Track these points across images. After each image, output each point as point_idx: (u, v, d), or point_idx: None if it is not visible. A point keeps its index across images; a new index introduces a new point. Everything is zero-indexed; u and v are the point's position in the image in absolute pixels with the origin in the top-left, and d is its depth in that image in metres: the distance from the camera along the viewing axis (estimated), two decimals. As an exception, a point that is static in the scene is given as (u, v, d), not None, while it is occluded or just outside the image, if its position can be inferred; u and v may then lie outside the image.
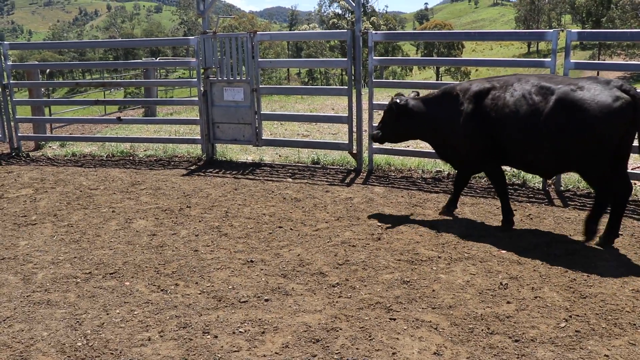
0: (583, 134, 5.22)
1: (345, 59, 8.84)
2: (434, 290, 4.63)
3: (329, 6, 68.67)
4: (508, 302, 4.39)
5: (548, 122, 5.39)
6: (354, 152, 8.89)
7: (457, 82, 6.70)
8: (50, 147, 11.60)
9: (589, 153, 5.30)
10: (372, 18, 62.58)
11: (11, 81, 10.69)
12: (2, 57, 10.48)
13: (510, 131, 5.70)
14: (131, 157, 10.38)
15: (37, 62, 17.27)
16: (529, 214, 6.59)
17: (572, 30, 7.45)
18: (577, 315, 4.15)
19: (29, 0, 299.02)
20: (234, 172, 8.97)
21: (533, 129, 5.51)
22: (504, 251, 5.45)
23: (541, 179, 7.71)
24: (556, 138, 5.38)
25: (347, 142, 9.08)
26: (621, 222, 5.61)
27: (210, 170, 9.20)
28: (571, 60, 7.45)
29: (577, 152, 5.35)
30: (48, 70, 16.89)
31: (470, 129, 6.01)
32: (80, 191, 7.99)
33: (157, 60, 22.11)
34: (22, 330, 4.11)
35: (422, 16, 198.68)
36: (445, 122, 6.27)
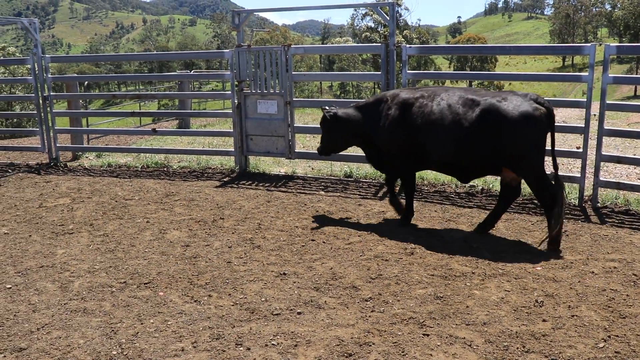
0: (508, 138, 5.81)
1: (379, 72, 8.85)
2: (467, 307, 4.57)
3: (362, 19, 68.75)
4: (544, 320, 4.31)
5: (474, 129, 5.95)
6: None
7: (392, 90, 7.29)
8: (87, 157, 11.84)
9: (521, 156, 5.88)
10: (404, 32, 62.47)
11: (51, 93, 10.97)
12: (43, 69, 10.76)
13: (434, 136, 6.23)
14: (165, 168, 10.52)
15: (76, 75, 17.74)
16: (565, 231, 6.47)
17: (611, 44, 7.33)
18: (617, 336, 4.04)
19: (68, 15, 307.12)
20: (266, 185, 9.02)
21: (457, 135, 6.06)
22: (539, 268, 5.35)
23: (578, 196, 7.58)
24: (481, 143, 5.95)
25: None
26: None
27: (243, 182, 9.27)
28: (609, 75, 7.32)
29: (505, 156, 5.91)
30: (86, 82, 17.26)
31: (397, 133, 6.53)
32: (116, 201, 8.13)
33: (191, 72, 22.44)
34: (60, 338, 4.18)
35: (454, 29, 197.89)
36: (375, 127, 6.80)
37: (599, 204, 7.47)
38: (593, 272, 5.22)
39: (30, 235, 6.68)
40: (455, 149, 6.11)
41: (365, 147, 7.20)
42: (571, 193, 7.79)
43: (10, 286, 5.17)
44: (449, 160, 6.28)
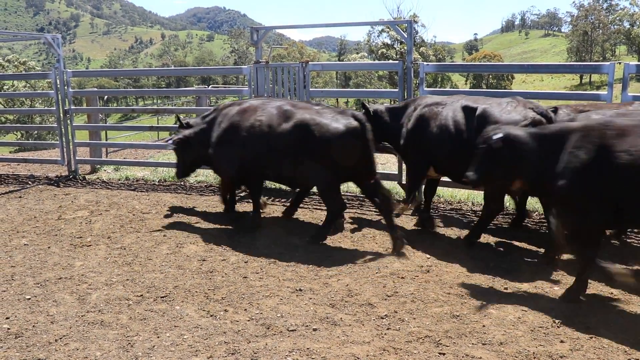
0: None
1: (396, 89, 8.88)
2: (484, 326, 4.54)
3: (378, 36, 68.88)
4: (562, 341, 4.27)
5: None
6: (403, 182, 8.85)
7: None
8: (105, 170, 11.94)
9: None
10: (421, 48, 62.47)
11: (72, 107, 11.12)
12: (64, 84, 10.92)
13: (258, 145, 6.94)
14: (182, 182, 10.59)
15: (95, 89, 17.93)
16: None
17: (630, 63, 7.30)
18: (637, 359, 3.99)
19: (89, 30, 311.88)
20: (283, 200, 9.04)
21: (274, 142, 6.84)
22: (556, 287, 5.31)
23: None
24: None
25: (396, 172, 9.06)
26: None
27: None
28: (629, 94, 7.28)
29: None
30: (105, 96, 17.46)
31: (230, 144, 7.17)
32: (133, 215, 8.20)
33: (209, 87, 22.63)
34: (77, 349, 4.22)
35: (471, 47, 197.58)
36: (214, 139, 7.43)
37: None
38: (612, 293, 5.17)
39: (49, 247, 6.76)
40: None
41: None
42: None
43: (29, 297, 5.23)
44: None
